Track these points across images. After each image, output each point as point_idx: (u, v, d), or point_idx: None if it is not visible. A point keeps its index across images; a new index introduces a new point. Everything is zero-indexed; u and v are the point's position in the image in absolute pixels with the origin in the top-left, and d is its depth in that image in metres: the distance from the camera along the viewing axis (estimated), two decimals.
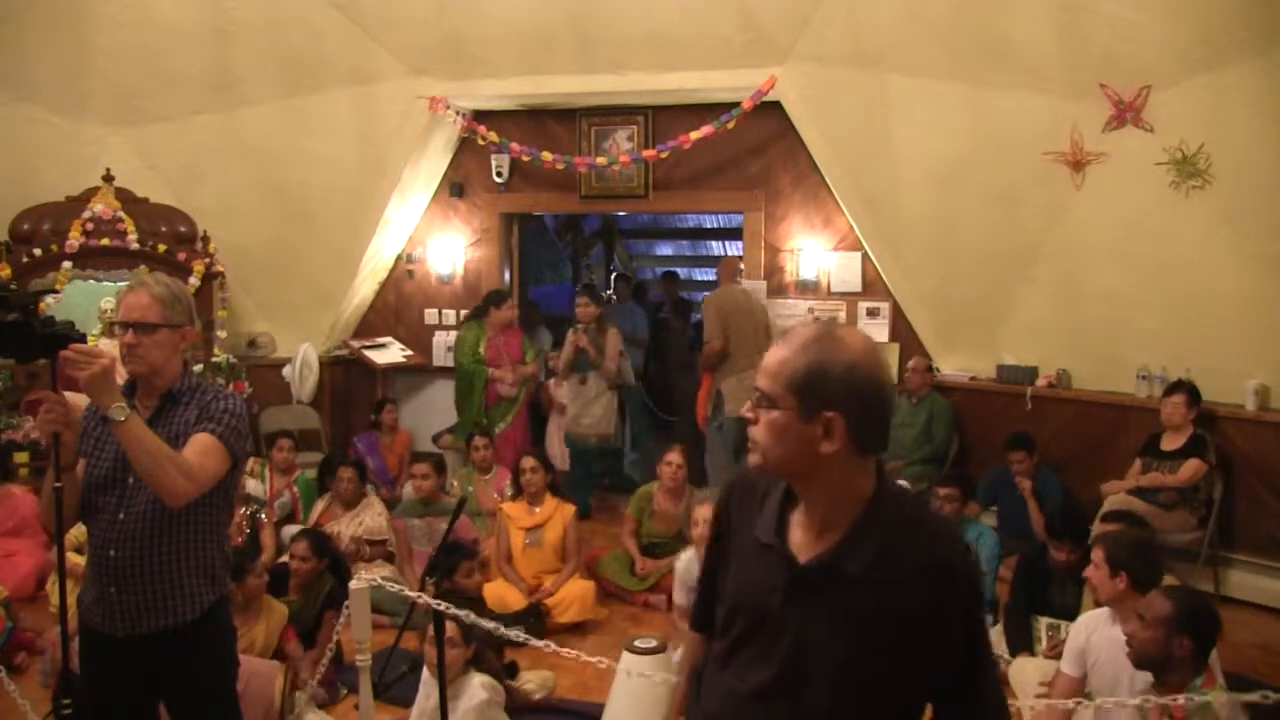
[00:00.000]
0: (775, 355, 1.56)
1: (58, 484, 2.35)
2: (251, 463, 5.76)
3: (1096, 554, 3.39)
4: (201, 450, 2.39)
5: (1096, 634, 3.33)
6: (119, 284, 6.52)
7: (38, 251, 6.41)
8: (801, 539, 1.58)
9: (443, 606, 3.11)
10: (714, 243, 12.49)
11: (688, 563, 4.12)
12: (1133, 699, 3.06)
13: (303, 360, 7.20)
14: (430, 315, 7.83)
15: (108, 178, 6.65)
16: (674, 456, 5.60)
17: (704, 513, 3.94)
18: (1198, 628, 2.80)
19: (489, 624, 3.35)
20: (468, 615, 3.26)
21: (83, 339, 2.35)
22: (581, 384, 6.87)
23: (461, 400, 6.89)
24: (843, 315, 7.08)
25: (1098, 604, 3.43)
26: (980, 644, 1.60)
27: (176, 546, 2.45)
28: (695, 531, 4.08)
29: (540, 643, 3.39)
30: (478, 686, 3.54)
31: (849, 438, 1.51)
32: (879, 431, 1.55)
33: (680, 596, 4.14)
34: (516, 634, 3.49)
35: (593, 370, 6.81)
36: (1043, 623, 4.38)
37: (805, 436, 1.51)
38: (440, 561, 4.10)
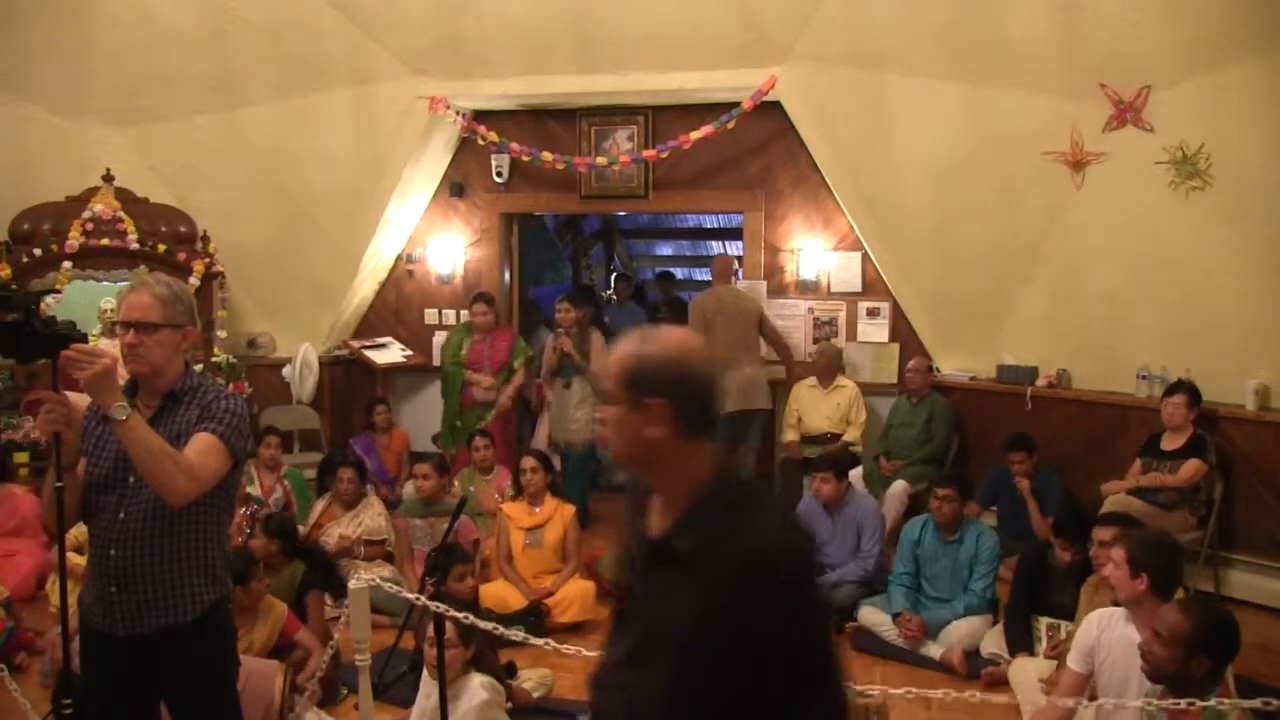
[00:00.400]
0: (613, 357, 1.69)
1: (59, 484, 2.36)
2: None
3: (1118, 553, 3.34)
4: (202, 449, 2.39)
5: (1109, 632, 3.29)
6: (119, 284, 6.51)
7: (38, 251, 6.41)
8: (656, 519, 1.70)
9: (441, 608, 3.11)
10: (714, 243, 12.47)
11: None
12: (1135, 700, 3.05)
13: (303, 360, 7.20)
14: (430, 315, 7.83)
15: (108, 178, 6.65)
16: None
17: None
18: (1217, 646, 2.74)
19: (487, 624, 3.35)
20: (466, 617, 3.26)
21: (84, 339, 2.35)
22: (565, 388, 6.74)
23: (445, 401, 6.89)
24: (843, 315, 7.09)
25: (1115, 604, 3.40)
26: (763, 636, 1.53)
27: (177, 546, 2.45)
28: None
29: (540, 640, 3.39)
30: (478, 687, 3.54)
31: (675, 423, 1.62)
32: (704, 416, 1.66)
33: None
34: (516, 633, 3.49)
35: (577, 375, 6.70)
36: (1043, 623, 4.38)
37: (636, 424, 1.63)
38: (438, 562, 4.10)
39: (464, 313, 7.68)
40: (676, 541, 1.61)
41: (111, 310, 5.97)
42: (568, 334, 6.72)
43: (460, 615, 3.24)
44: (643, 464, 1.69)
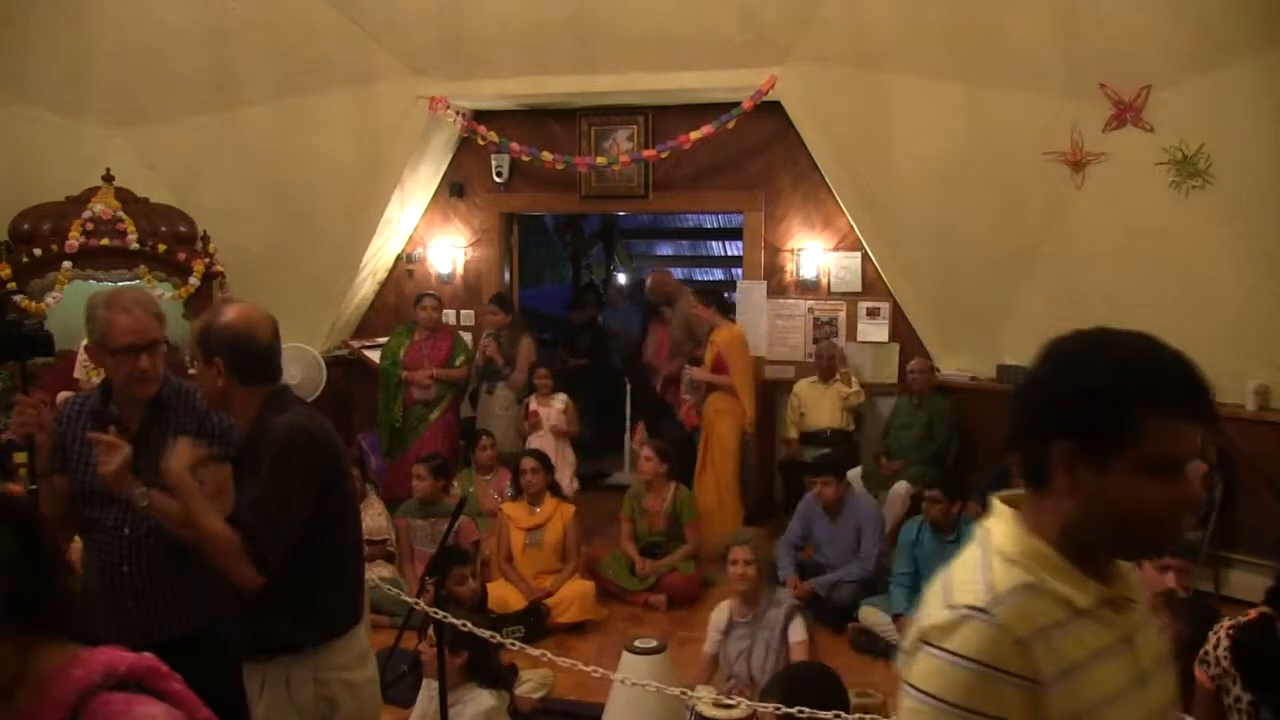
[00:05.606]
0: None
1: (33, 486, 2.33)
2: None
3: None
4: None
5: None
6: (119, 284, 6.50)
7: (38, 251, 6.39)
8: None
9: (439, 614, 3.10)
10: (714, 243, 12.48)
11: (719, 610, 4.13)
12: None
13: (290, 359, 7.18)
14: None
15: (108, 178, 6.63)
16: (645, 450, 5.68)
17: (741, 554, 3.95)
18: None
19: (484, 633, 3.33)
20: (464, 625, 3.26)
21: (51, 342, 2.34)
22: (488, 394, 6.72)
23: (380, 400, 6.87)
24: (843, 315, 7.09)
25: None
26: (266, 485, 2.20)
27: (190, 554, 2.43)
28: (733, 571, 3.98)
29: (535, 651, 3.37)
30: (485, 694, 3.53)
31: (230, 373, 2.29)
32: (252, 368, 2.32)
33: (709, 644, 4.11)
34: (511, 641, 3.48)
35: (501, 380, 6.69)
36: None
37: (209, 375, 2.31)
38: (438, 564, 4.10)
39: (465, 312, 7.72)
40: (248, 445, 2.32)
41: None
42: (495, 338, 6.68)
43: (458, 622, 3.23)
44: (224, 405, 2.37)
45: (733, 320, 6.76)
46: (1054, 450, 1.25)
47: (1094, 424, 1.23)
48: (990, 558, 1.27)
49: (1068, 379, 1.29)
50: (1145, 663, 1.28)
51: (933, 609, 1.26)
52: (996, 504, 1.34)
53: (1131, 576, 1.34)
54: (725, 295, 7.46)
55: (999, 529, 1.31)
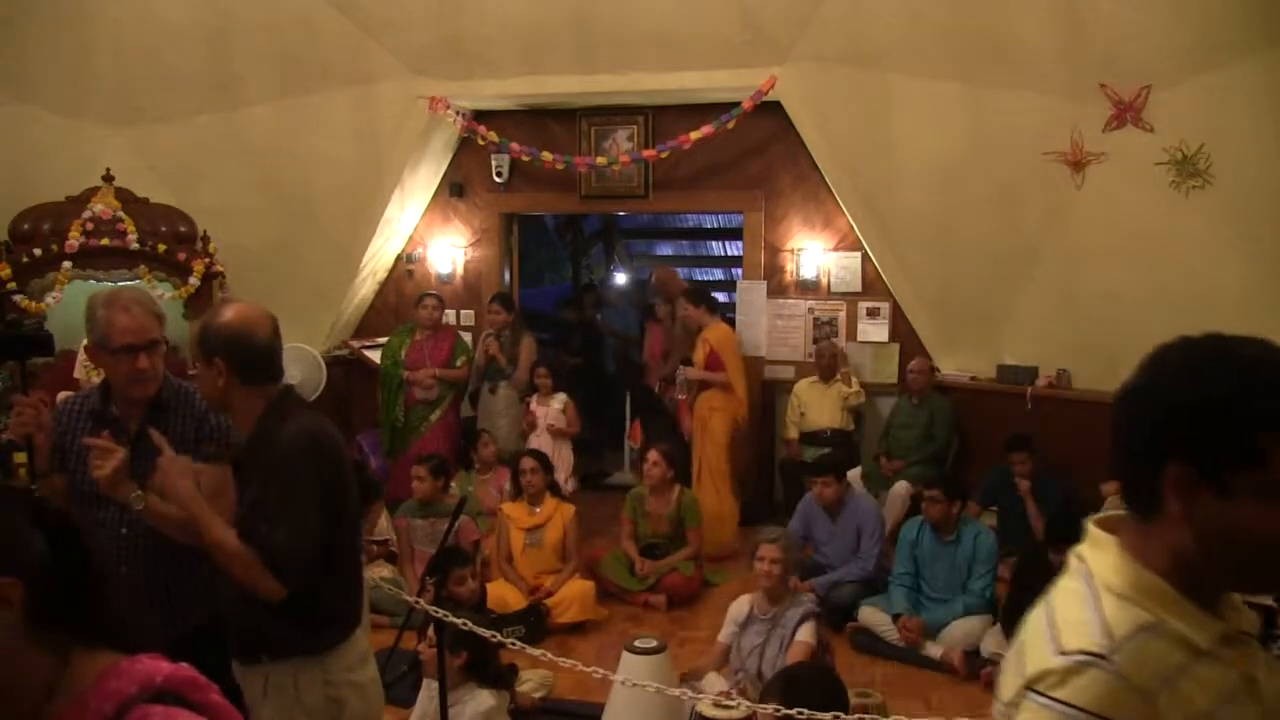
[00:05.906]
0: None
1: (32, 486, 2.34)
2: None
3: None
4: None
5: None
6: (119, 284, 6.50)
7: (38, 251, 6.39)
8: None
9: (440, 613, 3.10)
10: (714, 243, 12.48)
11: (739, 602, 4.16)
12: None
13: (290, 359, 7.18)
14: None
15: (108, 178, 6.63)
16: (652, 455, 5.65)
17: (770, 552, 3.99)
18: None
19: (485, 632, 3.33)
20: (464, 623, 3.26)
21: (50, 343, 2.33)
22: (491, 394, 6.76)
23: (382, 400, 6.86)
24: (843, 315, 7.09)
25: None
26: (276, 494, 2.18)
27: (187, 553, 2.43)
28: (759, 568, 4.03)
29: (537, 651, 3.38)
30: (485, 693, 3.53)
31: (231, 373, 2.24)
32: (252, 367, 2.27)
33: (724, 633, 4.15)
34: (511, 641, 3.48)
35: (504, 380, 6.72)
36: None
37: (209, 376, 2.27)
38: (438, 564, 4.10)
39: (465, 312, 7.72)
40: (248, 446, 2.29)
41: None
42: (496, 337, 6.69)
43: (458, 621, 3.23)
44: (224, 406, 2.32)
45: (723, 318, 6.81)
46: (1166, 475, 1.12)
47: (1214, 445, 1.10)
48: (1100, 594, 1.16)
49: (1181, 393, 1.15)
50: (1271, 704, 1.15)
51: (1039, 653, 1.14)
52: (1094, 531, 1.23)
53: (1245, 609, 1.22)
54: (714, 294, 7.46)
55: (1102, 560, 1.19)
